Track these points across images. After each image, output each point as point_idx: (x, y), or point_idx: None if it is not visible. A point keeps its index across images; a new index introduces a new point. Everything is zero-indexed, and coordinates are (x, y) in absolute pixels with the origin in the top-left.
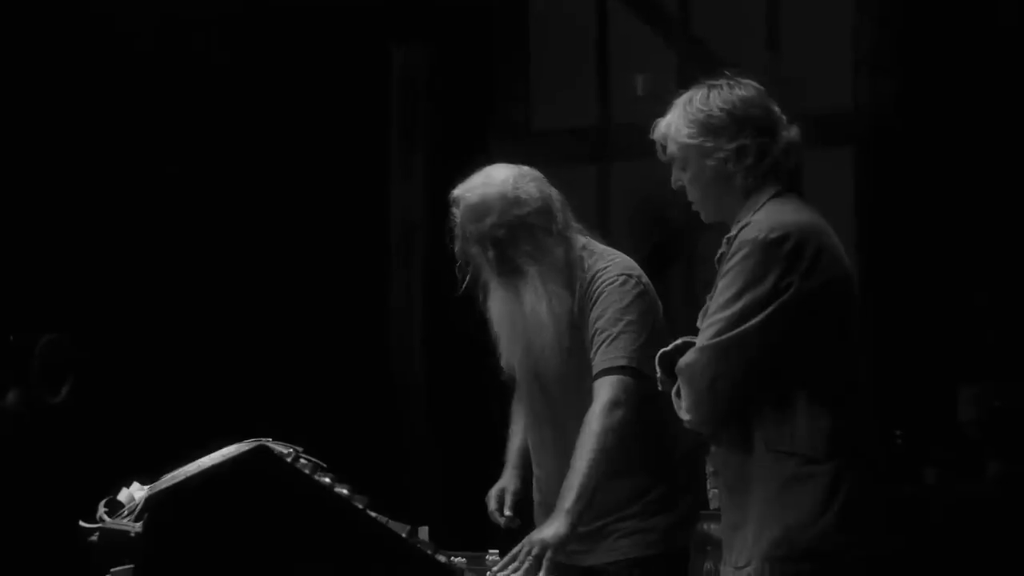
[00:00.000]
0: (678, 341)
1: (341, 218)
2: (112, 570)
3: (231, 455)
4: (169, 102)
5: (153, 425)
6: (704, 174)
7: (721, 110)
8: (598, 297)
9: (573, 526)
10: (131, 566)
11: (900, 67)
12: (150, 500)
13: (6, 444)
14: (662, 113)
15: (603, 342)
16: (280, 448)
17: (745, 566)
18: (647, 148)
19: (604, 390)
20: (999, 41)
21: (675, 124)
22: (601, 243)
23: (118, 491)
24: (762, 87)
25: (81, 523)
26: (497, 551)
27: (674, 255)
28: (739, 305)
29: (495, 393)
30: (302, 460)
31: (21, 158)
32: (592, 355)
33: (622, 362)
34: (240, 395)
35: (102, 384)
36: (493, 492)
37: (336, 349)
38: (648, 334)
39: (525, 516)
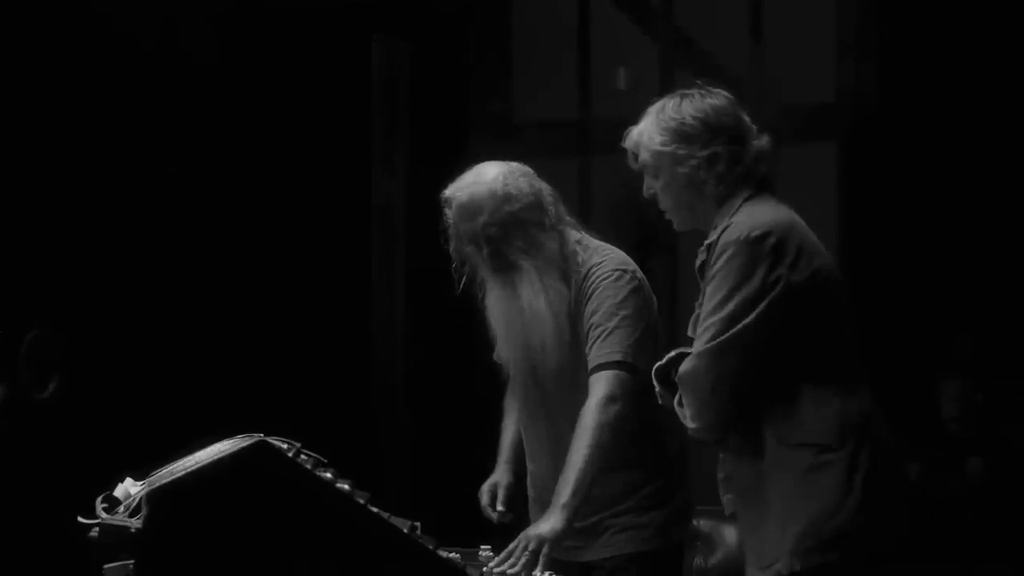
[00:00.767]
0: (672, 353)
1: (322, 212)
2: (106, 566)
3: (230, 451)
4: (150, 98)
5: (140, 420)
6: (676, 181)
7: (694, 118)
8: (593, 292)
9: (569, 521)
10: (127, 562)
11: (882, 59)
12: (150, 495)
13: None
14: (645, 107)
15: (598, 337)
16: (280, 443)
17: (773, 564)
18: None
19: (600, 385)
20: (981, 32)
21: (647, 132)
22: (596, 238)
23: (114, 487)
24: (733, 97)
25: (80, 519)
26: (489, 547)
27: (656, 249)
28: (731, 306)
29: (477, 388)
30: (302, 456)
31: (7, 153)
32: (587, 350)
33: (618, 357)
34: (223, 389)
35: (88, 379)
36: (486, 487)
37: (318, 344)
38: (643, 329)
39: (517, 511)
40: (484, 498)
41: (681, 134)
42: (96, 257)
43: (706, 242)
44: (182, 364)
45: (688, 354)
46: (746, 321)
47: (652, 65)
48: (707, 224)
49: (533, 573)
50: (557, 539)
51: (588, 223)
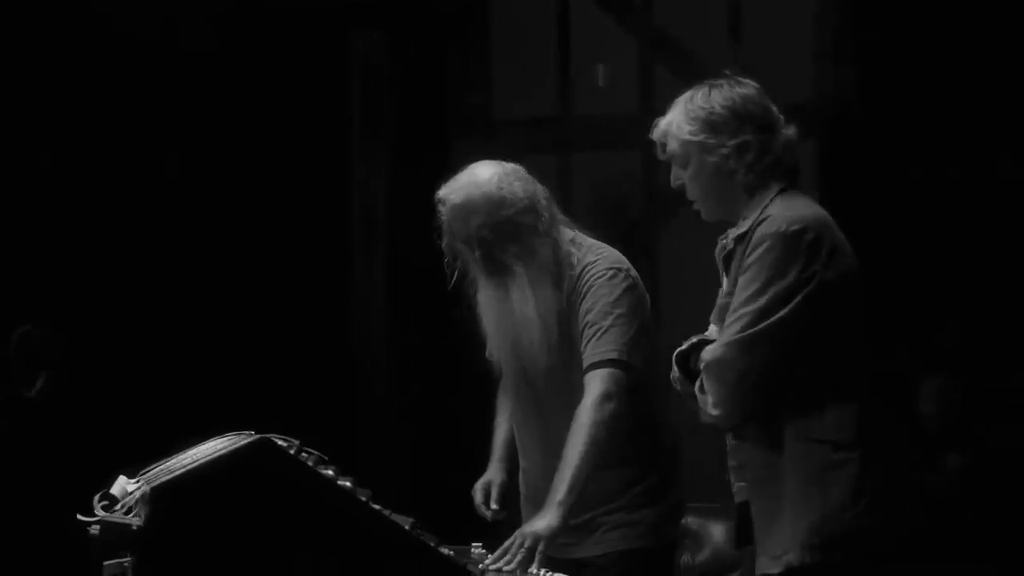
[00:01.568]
0: (693, 339)
1: (303, 210)
2: (104, 563)
3: (231, 449)
4: (127, 92)
5: (127, 417)
6: (705, 171)
7: (723, 107)
8: (587, 291)
9: (565, 518)
10: (124, 560)
11: (861, 57)
12: (152, 493)
13: None
14: (624, 103)
15: (593, 335)
16: (280, 441)
17: (784, 555)
18: (608, 138)
19: (595, 383)
20: (959, 31)
21: (676, 122)
22: (589, 236)
23: (108, 485)
24: (760, 87)
25: (79, 516)
26: (480, 544)
27: (636, 246)
28: (765, 298)
29: (461, 386)
30: (303, 453)
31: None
32: (582, 348)
33: (613, 355)
34: (208, 388)
35: (75, 377)
36: (479, 485)
37: (299, 340)
38: (638, 327)
39: (510, 508)
40: (477, 496)
41: (710, 123)
42: (82, 254)
43: (734, 232)
44: (168, 362)
45: (709, 341)
46: (779, 315)
47: (632, 62)
48: (734, 214)
49: (529, 570)
50: (553, 536)
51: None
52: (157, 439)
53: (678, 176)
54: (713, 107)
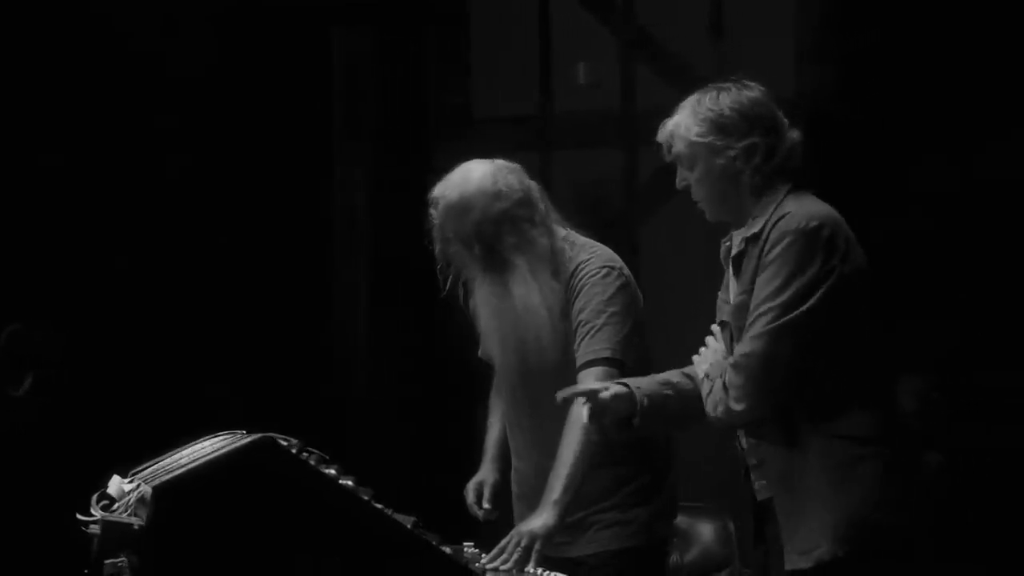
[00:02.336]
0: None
1: (284, 206)
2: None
3: (233, 448)
4: (108, 92)
5: (111, 416)
6: (712, 172)
7: (732, 109)
8: (581, 289)
9: (561, 517)
10: (120, 559)
11: (843, 57)
12: (155, 492)
13: None
14: (605, 101)
15: (587, 334)
16: (282, 440)
17: (814, 550)
18: (589, 136)
19: (589, 382)
20: (941, 30)
21: (684, 123)
22: (582, 235)
23: (103, 485)
24: (767, 90)
25: (80, 516)
26: (472, 543)
27: (616, 244)
28: (789, 292)
29: (444, 386)
30: (305, 452)
31: None
32: (576, 347)
33: (607, 353)
34: (188, 385)
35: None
36: (471, 485)
37: (281, 340)
38: (631, 326)
39: (502, 508)
40: (470, 496)
41: (719, 125)
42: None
43: (743, 232)
44: (151, 363)
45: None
46: (803, 307)
47: (612, 60)
48: (739, 215)
49: (526, 569)
50: (549, 535)
51: None
52: (143, 439)
53: (684, 178)
54: (722, 109)
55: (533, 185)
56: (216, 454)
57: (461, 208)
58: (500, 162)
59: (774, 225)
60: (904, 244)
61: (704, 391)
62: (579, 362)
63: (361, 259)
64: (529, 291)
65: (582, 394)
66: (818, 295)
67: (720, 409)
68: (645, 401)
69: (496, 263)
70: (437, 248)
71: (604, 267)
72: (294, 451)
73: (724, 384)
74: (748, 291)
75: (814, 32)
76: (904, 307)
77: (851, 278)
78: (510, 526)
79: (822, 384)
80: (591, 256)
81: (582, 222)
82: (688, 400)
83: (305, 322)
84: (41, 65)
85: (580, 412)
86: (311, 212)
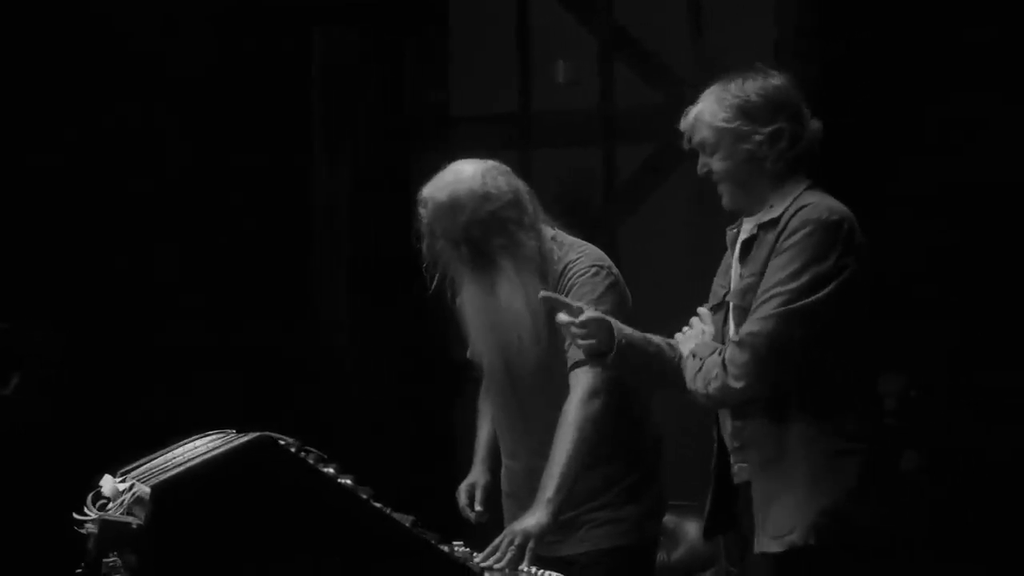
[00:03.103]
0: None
1: (264, 204)
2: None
3: (230, 447)
4: (93, 90)
5: (95, 415)
6: (737, 157)
7: (758, 95)
8: (570, 288)
9: (555, 516)
10: (111, 560)
11: (822, 55)
12: (154, 492)
13: None
14: (584, 100)
15: None
16: (280, 439)
17: (787, 534)
18: (568, 135)
19: (581, 380)
20: (921, 26)
21: (709, 110)
22: (569, 234)
23: (95, 484)
24: (791, 78)
25: (76, 515)
26: (461, 542)
27: (595, 243)
28: (804, 279)
29: (424, 384)
30: (303, 451)
31: None
32: (566, 346)
33: None
34: (168, 384)
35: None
36: (463, 487)
37: (261, 338)
38: None
39: (492, 508)
40: (462, 498)
41: (745, 111)
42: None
43: (756, 219)
44: (131, 362)
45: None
46: (818, 295)
47: (591, 59)
48: (757, 203)
49: (520, 568)
50: (543, 534)
51: None
52: (128, 437)
53: (705, 164)
54: (748, 95)
55: (522, 187)
56: (214, 453)
57: (450, 208)
58: (490, 163)
59: (794, 213)
60: (885, 241)
61: (690, 368)
62: (570, 361)
63: (342, 257)
64: (514, 292)
65: (563, 305)
66: (831, 287)
67: (714, 386)
68: (623, 340)
69: (483, 263)
70: (425, 246)
71: (593, 266)
72: (293, 450)
73: (723, 361)
74: (758, 274)
75: (794, 31)
76: (884, 304)
77: (861, 276)
78: (500, 525)
79: (819, 375)
80: (580, 256)
81: (561, 221)
82: (665, 363)
83: (285, 320)
84: (41, 65)
85: (572, 410)
86: (291, 211)
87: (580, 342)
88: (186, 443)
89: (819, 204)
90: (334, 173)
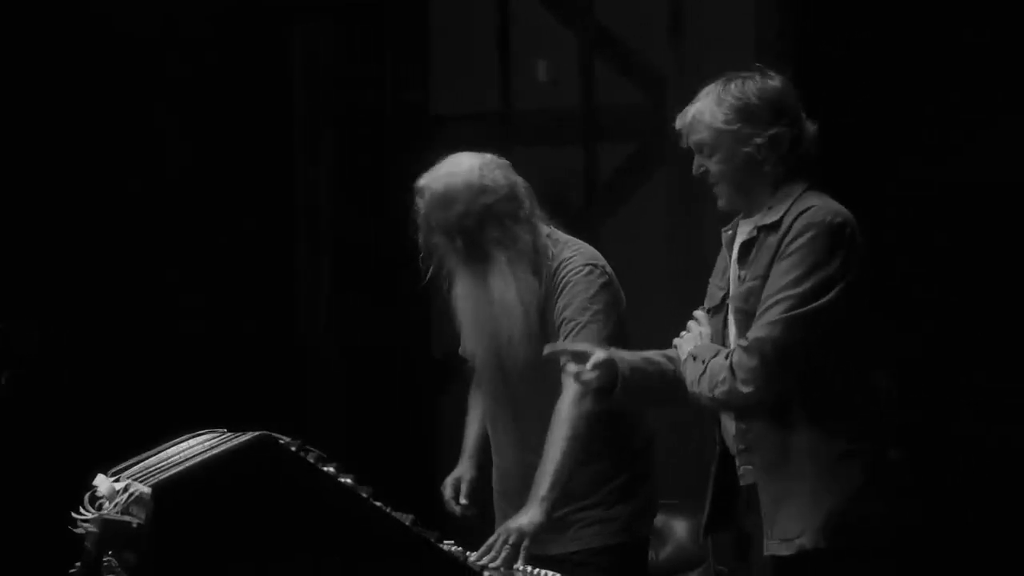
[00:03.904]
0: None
1: (244, 200)
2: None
3: (231, 446)
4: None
5: (77, 413)
6: (736, 159)
7: (759, 98)
8: (564, 287)
9: (548, 514)
10: (110, 559)
11: (802, 55)
12: (155, 491)
13: None
14: (565, 99)
15: (571, 331)
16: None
17: (796, 538)
18: (548, 134)
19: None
20: (900, 29)
21: (709, 110)
22: (564, 232)
23: (87, 483)
24: (788, 80)
25: (74, 515)
26: (452, 541)
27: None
28: (810, 283)
29: (407, 380)
30: (304, 450)
31: None
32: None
33: None
34: (149, 383)
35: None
36: (449, 481)
37: (244, 335)
38: (614, 323)
39: (480, 504)
40: (447, 492)
41: (746, 113)
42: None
43: (754, 221)
44: (113, 360)
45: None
46: (824, 299)
47: (573, 57)
48: (755, 205)
49: (515, 566)
50: (537, 531)
51: None
52: (114, 437)
53: (701, 165)
54: (749, 97)
55: (519, 181)
56: (213, 452)
57: (446, 200)
58: (488, 156)
59: (797, 216)
60: (869, 238)
61: (691, 371)
62: (563, 360)
63: (325, 255)
64: (507, 286)
65: (568, 353)
66: (836, 290)
67: (721, 390)
68: (627, 372)
69: (477, 256)
70: (420, 238)
71: (587, 265)
72: (293, 449)
73: (731, 365)
74: (760, 277)
75: (775, 31)
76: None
77: (863, 279)
78: (491, 523)
79: (825, 378)
80: (574, 254)
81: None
82: (667, 379)
83: (268, 318)
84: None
85: (565, 408)
86: (272, 209)
87: (592, 384)
88: (178, 442)
89: (822, 207)
90: (315, 172)
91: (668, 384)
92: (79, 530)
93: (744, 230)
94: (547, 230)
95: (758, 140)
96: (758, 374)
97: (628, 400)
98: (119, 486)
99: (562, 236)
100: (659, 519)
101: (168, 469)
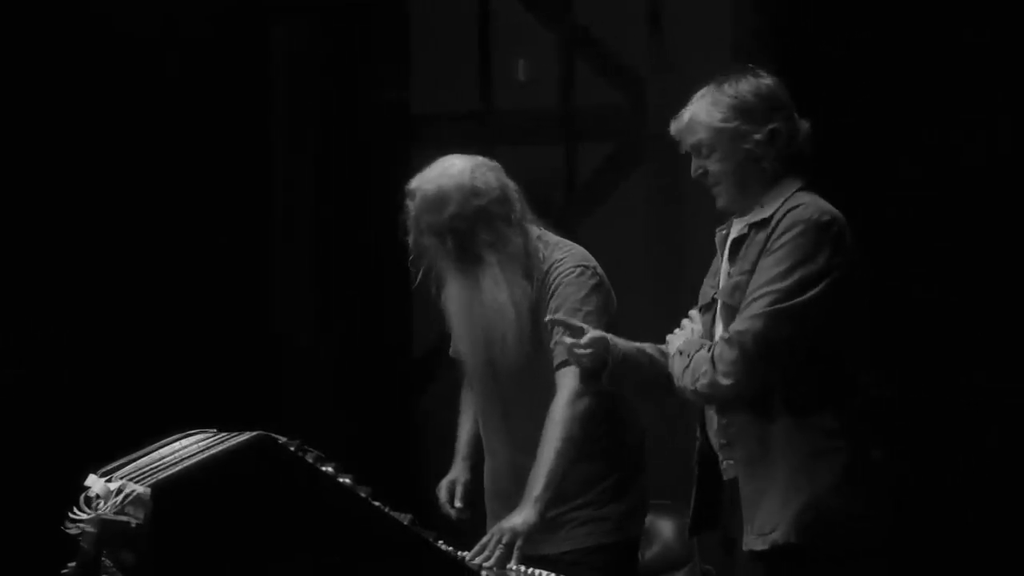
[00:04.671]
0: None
1: (224, 198)
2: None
3: (230, 445)
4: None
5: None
6: (734, 157)
7: (754, 95)
8: (556, 288)
9: (542, 514)
10: (105, 559)
11: (780, 55)
12: (154, 491)
13: None
14: (545, 98)
15: (562, 333)
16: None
17: (770, 532)
18: (528, 133)
19: (568, 380)
20: (877, 25)
21: (705, 111)
22: (555, 234)
23: (79, 483)
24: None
25: (70, 515)
26: (443, 541)
27: None
28: (794, 278)
29: (389, 379)
30: (302, 450)
31: None
32: (552, 344)
33: None
34: (132, 379)
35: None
36: (444, 483)
37: (223, 334)
38: (606, 324)
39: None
40: (442, 495)
41: (743, 111)
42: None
43: (747, 219)
44: (92, 360)
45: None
46: (807, 295)
47: (552, 57)
48: (752, 203)
49: (508, 566)
50: (530, 531)
51: None
52: (95, 436)
53: (700, 166)
54: (744, 96)
55: (511, 184)
56: (211, 453)
57: (437, 201)
58: (480, 158)
59: (786, 213)
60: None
61: (678, 365)
62: (556, 361)
63: (304, 256)
64: (498, 289)
65: (565, 325)
66: (821, 286)
67: (703, 382)
68: (619, 357)
69: (468, 259)
70: (411, 239)
71: (578, 266)
72: (292, 449)
73: (712, 358)
74: (748, 272)
75: (752, 31)
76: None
77: (850, 278)
78: (483, 523)
79: (804, 374)
80: (565, 255)
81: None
82: (657, 370)
83: (247, 314)
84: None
85: (559, 409)
86: (252, 209)
87: (583, 362)
88: (169, 442)
89: (810, 204)
90: (296, 171)
91: (658, 376)
92: (73, 530)
93: (736, 228)
94: (537, 232)
95: (756, 136)
96: (739, 367)
97: (615, 385)
98: (113, 486)
99: (552, 238)
100: (646, 519)
101: (165, 469)
